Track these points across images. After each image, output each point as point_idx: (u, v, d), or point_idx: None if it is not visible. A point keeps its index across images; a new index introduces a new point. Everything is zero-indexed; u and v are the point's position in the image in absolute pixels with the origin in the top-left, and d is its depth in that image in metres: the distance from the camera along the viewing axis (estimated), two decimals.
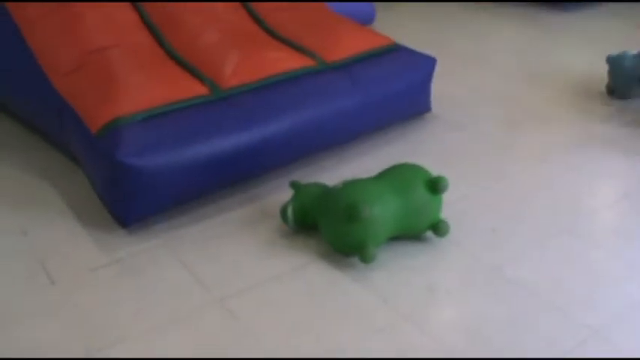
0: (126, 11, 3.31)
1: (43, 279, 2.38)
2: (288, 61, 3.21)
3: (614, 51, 4.13)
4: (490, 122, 3.72)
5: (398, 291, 2.30)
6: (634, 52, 3.93)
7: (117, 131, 2.58)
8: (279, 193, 2.91)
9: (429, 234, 2.59)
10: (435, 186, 2.50)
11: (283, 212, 2.57)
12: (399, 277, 2.38)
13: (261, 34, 3.48)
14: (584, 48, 4.91)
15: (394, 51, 3.60)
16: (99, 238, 2.63)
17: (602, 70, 4.19)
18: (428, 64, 3.62)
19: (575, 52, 4.85)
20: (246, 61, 3.12)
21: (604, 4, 6.20)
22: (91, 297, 2.28)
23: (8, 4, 3.18)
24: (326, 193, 2.54)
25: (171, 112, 2.74)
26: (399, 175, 2.55)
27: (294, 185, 2.63)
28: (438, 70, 3.75)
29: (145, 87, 2.81)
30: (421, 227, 2.54)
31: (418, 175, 2.54)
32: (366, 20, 5.16)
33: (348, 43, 3.47)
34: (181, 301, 2.25)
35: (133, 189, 2.55)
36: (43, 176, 3.12)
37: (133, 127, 2.61)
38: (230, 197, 2.90)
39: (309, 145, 3.10)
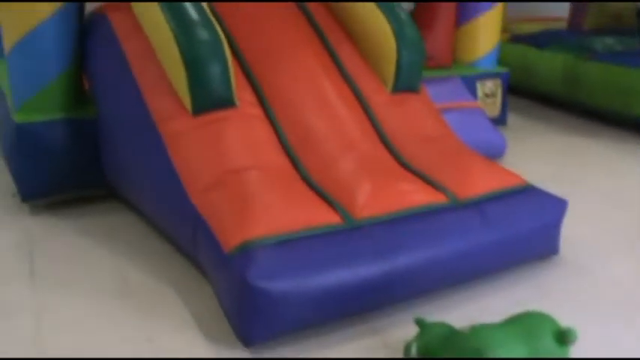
0: (264, 129, 3.47)
1: None
2: (421, 195, 3.27)
3: None
4: (622, 268, 3.61)
5: None
6: None
7: (249, 253, 2.68)
8: (402, 327, 2.90)
9: None
10: (564, 338, 2.45)
11: (407, 349, 2.56)
12: None
13: (395, 164, 3.56)
14: None
15: (525, 191, 3.60)
16: (221, 352, 2.70)
17: None
18: (559, 206, 3.59)
19: None
20: (380, 192, 3.19)
21: None
22: None
23: (156, 117, 3.41)
24: (453, 335, 2.52)
25: (303, 238, 2.83)
26: (527, 323, 2.51)
27: (419, 322, 2.63)
28: (568, 208, 3.70)
29: (279, 211, 2.92)
30: None
31: (547, 324, 2.50)
32: (497, 152, 5.18)
33: (481, 181, 3.50)
34: None
35: (259, 311, 2.62)
36: (167, 282, 3.24)
37: (265, 250, 2.71)
38: (351, 327, 2.92)
39: (436, 281, 3.10)
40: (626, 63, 6.20)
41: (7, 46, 3.96)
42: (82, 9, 4.14)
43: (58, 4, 3.86)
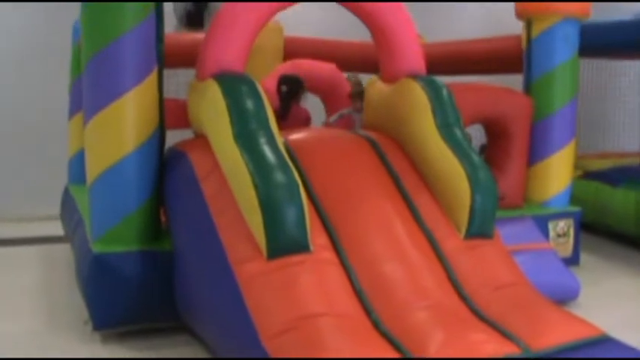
0: (337, 274, 3.54)
1: None
2: (493, 345, 3.26)
3: None
4: None
5: None
6: None
7: None
8: None
9: None
10: None
11: None
12: None
13: (467, 313, 3.58)
14: None
15: (602, 343, 3.54)
16: None
17: None
18: None
19: None
20: (451, 341, 3.20)
21: None
22: None
23: (232, 258, 3.52)
24: None
25: None
26: None
27: None
28: None
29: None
30: None
31: None
32: (571, 295, 5.12)
33: (555, 331, 3.48)
34: None
35: None
36: None
37: None
38: None
39: None
40: None
41: (91, 176, 4.18)
42: (162, 143, 4.36)
43: (143, 138, 4.08)
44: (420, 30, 8.92)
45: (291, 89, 6.13)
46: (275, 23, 8.21)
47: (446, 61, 8.10)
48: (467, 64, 8.13)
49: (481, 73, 8.17)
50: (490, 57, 7.66)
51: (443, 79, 6.42)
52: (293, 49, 8.26)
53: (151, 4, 4.14)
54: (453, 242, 3.97)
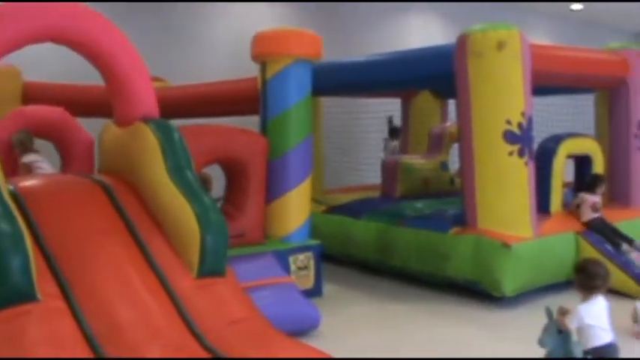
0: (67, 322, 3.61)
1: None
2: None
3: None
4: None
5: None
6: None
7: None
8: None
9: None
10: None
11: None
12: None
13: (200, 350, 3.81)
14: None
15: None
16: None
17: None
18: None
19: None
20: None
21: None
22: None
23: None
24: None
25: None
26: None
27: None
28: None
29: None
30: None
31: None
32: (311, 325, 5.44)
33: None
34: None
35: None
36: None
37: None
38: None
39: None
40: (433, 227, 6.86)
41: None
42: None
43: None
44: (165, 73, 9.21)
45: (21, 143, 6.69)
46: (11, 67, 8.10)
47: (188, 104, 8.39)
48: (208, 106, 8.45)
49: (223, 115, 8.52)
50: (230, 99, 8.05)
51: (185, 122, 6.71)
52: (32, 94, 8.20)
53: None
54: (185, 282, 4.16)
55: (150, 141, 4.55)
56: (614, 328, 4.06)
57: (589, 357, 4.04)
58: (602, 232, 6.93)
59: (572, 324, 4.01)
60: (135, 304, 3.83)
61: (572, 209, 7.24)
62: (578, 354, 4.00)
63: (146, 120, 4.72)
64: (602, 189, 7.24)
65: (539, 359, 4.14)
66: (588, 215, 7.02)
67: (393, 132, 11.06)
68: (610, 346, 4.06)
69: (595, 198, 7.07)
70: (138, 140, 4.65)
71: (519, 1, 14.14)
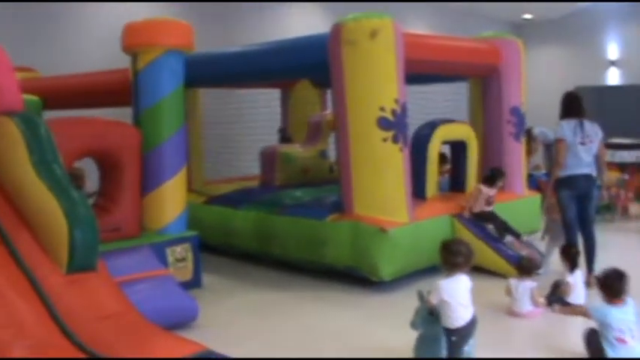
0: None
1: None
2: None
3: None
4: None
5: None
6: None
7: None
8: None
9: None
10: None
11: None
12: None
13: (69, 347, 3.73)
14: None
15: (205, 357, 3.89)
16: None
17: None
18: None
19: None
20: None
21: None
22: None
23: None
24: None
25: None
26: None
27: None
28: None
29: None
30: None
31: None
32: (189, 316, 5.43)
33: (159, 353, 3.79)
34: None
35: None
36: None
37: None
38: None
39: None
40: (311, 214, 6.96)
41: None
42: None
43: None
44: (37, 64, 8.91)
45: None
46: None
47: (61, 95, 8.17)
48: (82, 97, 8.27)
49: (96, 107, 8.34)
50: (103, 90, 7.89)
51: (58, 114, 6.54)
52: None
53: None
54: (54, 279, 4.06)
55: (13, 134, 4.39)
56: (489, 305, 4.26)
57: (453, 338, 4.22)
58: (491, 223, 7.22)
59: (433, 299, 4.20)
60: (2, 304, 3.72)
61: (466, 198, 7.45)
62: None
63: (10, 114, 4.56)
64: (501, 183, 7.48)
65: None
66: (480, 207, 7.24)
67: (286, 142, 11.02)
68: (469, 324, 4.27)
69: (491, 192, 7.28)
70: (1, 134, 4.49)
71: (511, 2, 14.71)
